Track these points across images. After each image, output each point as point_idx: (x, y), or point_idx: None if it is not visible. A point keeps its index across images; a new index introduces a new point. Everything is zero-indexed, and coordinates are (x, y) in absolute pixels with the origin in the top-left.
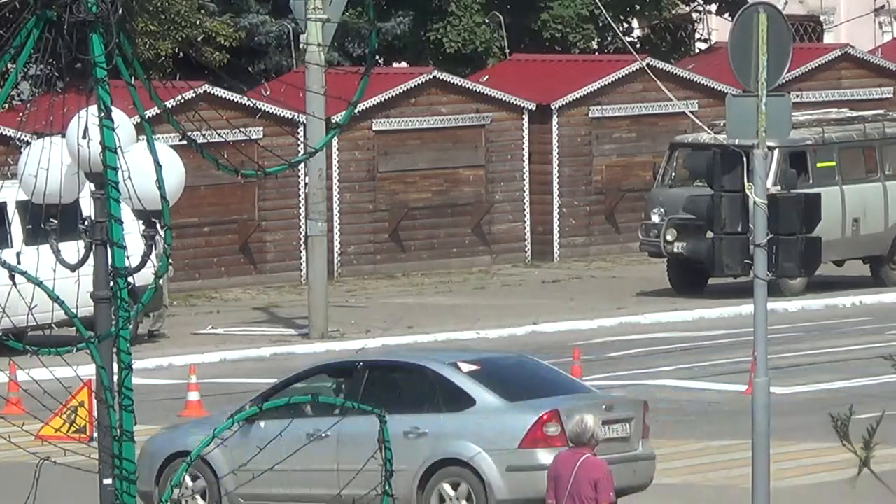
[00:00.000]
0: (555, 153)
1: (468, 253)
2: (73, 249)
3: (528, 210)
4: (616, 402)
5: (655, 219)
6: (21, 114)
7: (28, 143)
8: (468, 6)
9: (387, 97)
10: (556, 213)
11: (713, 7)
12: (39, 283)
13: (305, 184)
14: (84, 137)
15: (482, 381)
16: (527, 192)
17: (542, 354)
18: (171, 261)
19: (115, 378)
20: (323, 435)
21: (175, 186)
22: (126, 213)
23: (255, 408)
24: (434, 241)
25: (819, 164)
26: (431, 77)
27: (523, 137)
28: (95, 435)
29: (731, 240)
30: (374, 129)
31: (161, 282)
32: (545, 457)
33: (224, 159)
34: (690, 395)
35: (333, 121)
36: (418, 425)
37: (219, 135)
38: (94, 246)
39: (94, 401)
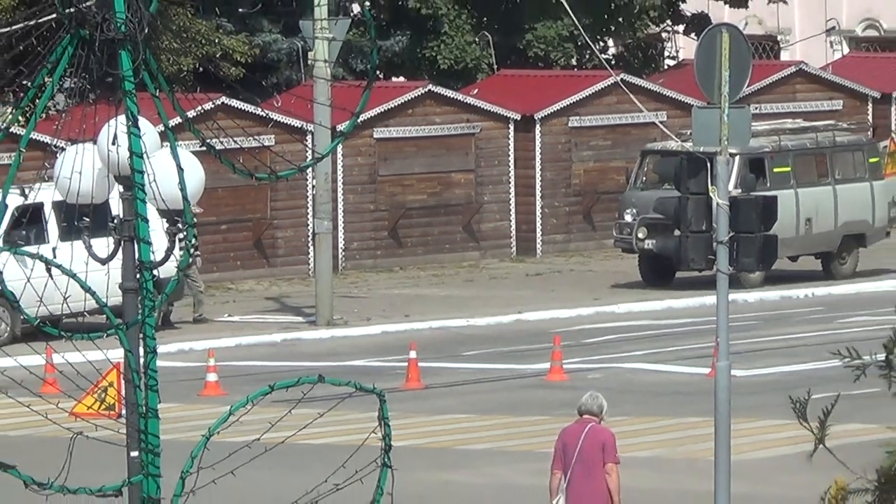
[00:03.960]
0: (537, 159)
1: (459, 249)
2: (103, 245)
3: (513, 210)
4: None
5: (628, 218)
6: (57, 123)
7: (63, 149)
8: (460, 26)
9: (386, 108)
10: (538, 213)
11: (680, 27)
12: (73, 275)
13: (313, 186)
14: (113, 144)
15: None
16: (512, 194)
17: (525, 340)
18: (198, 253)
19: (142, 361)
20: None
21: (195, 188)
22: (151, 212)
23: (267, 387)
24: (429, 238)
25: (775, 170)
26: (426, 90)
27: (509, 145)
28: (123, 412)
29: (697, 237)
30: (374, 136)
31: (196, 273)
32: None
33: (240, 164)
34: (659, 377)
35: (338, 129)
36: None
37: (235, 142)
38: (122, 242)
39: (122, 381)
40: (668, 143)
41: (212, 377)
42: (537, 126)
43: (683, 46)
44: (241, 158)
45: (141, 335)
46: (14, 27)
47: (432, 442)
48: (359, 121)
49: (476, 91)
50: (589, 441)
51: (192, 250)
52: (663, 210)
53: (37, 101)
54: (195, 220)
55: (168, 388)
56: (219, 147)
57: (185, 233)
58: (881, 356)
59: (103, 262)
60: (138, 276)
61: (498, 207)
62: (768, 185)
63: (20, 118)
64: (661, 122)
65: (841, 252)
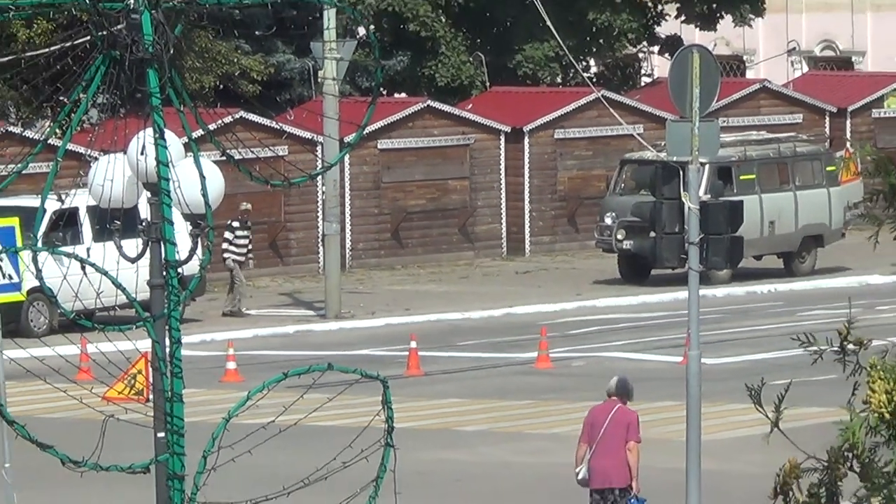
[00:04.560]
0: (526, 167)
1: (455, 249)
2: (132, 245)
3: (504, 214)
4: None
5: (608, 221)
6: (90, 135)
7: (96, 159)
8: (456, 48)
9: (389, 121)
10: (527, 217)
11: (655, 48)
12: (105, 273)
13: (323, 192)
14: (142, 154)
15: None
16: (503, 199)
17: (515, 332)
18: (251, 256)
19: (168, 350)
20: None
21: (216, 194)
22: (176, 216)
23: (281, 374)
24: (427, 239)
25: (742, 177)
26: (425, 105)
27: (500, 155)
28: (151, 397)
29: (670, 238)
30: (378, 147)
31: (240, 271)
32: None
33: (256, 172)
34: (636, 364)
35: (346, 141)
36: None
37: (252, 152)
38: (149, 242)
39: (150, 369)
40: (644, 153)
41: (231, 365)
42: (526, 138)
43: (658, 65)
44: (257, 167)
45: (167, 327)
46: (52, 48)
47: (431, 424)
48: (364, 133)
49: (470, 106)
50: (615, 420)
51: (246, 251)
52: (640, 214)
53: (72, 115)
54: (249, 222)
55: (191, 375)
56: (237, 157)
57: (206, 233)
58: (837, 343)
59: (133, 261)
60: (164, 273)
61: (490, 211)
62: (735, 191)
63: (57, 131)
64: (638, 135)
65: (801, 252)
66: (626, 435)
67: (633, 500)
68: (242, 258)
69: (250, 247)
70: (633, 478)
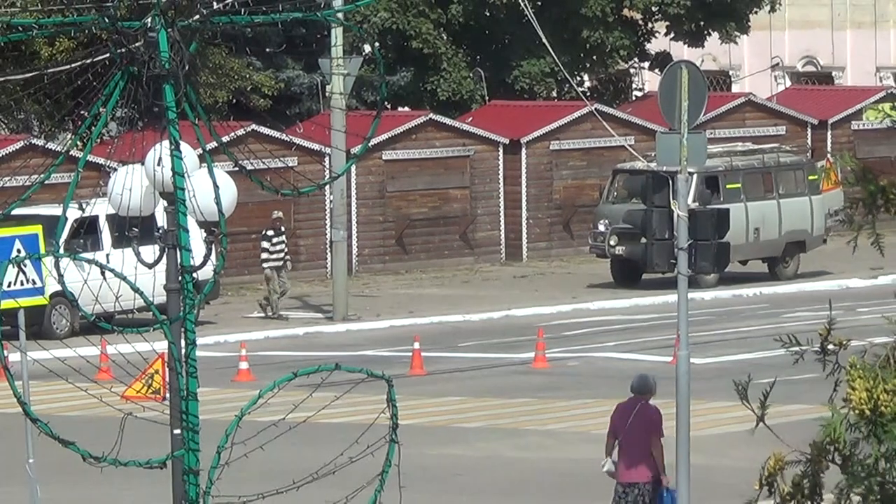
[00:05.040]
0: (523, 177)
1: (456, 254)
2: (150, 251)
3: (502, 221)
4: None
5: (601, 228)
6: (110, 147)
7: (115, 170)
8: (456, 64)
9: (393, 134)
10: (524, 224)
11: (646, 64)
12: (124, 278)
13: (330, 201)
14: (159, 165)
15: None
16: (502, 207)
17: (513, 333)
18: (288, 257)
19: (183, 351)
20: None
21: (229, 203)
22: (191, 224)
23: (291, 374)
24: (430, 245)
25: (728, 186)
26: (428, 118)
27: (499, 165)
28: (168, 395)
29: (660, 244)
30: (383, 158)
31: (277, 277)
32: None
33: (267, 182)
34: (628, 364)
35: (352, 152)
36: None
37: (263, 163)
38: (166, 249)
39: (167, 369)
40: (635, 163)
41: (243, 365)
42: (523, 149)
43: (648, 80)
44: (268, 177)
45: (182, 329)
46: (73, 65)
47: (433, 421)
48: (369, 145)
49: (470, 119)
50: (639, 416)
51: (283, 255)
52: (632, 221)
53: (92, 128)
54: (282, 227)
55: (206, 375)
56: (249, 167)
57: (219, 240)
58: (818, 344)
59: (150, 266)
60: (180, 278)
61: (489, 219)
62: (722, 199)
63: (78, 143)
64: (629, 146)
65: (784, 257)
66: (649, 431)
67: (664, 493)
68: (280, 263)
69: (286, 250)
70: (661, 471)
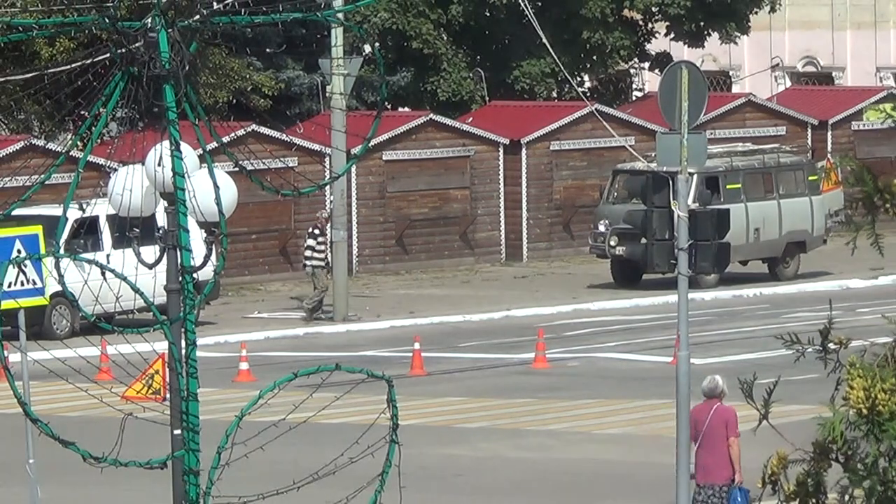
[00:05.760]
0: (523, 178)
1: (456, 255)
2: (150, 252)
3: (503, 221)
4: None
5: (602, 228)
6: (110, 147)
7: (115, 170)
8: (456, 64)
9: (393, 134)
10: (524, 224)
11: (646, 64)
12: (124, 278)
13: (331, 201)
14: (159, 165)
15: None
16: (502, 207)
17: (513, 333)
18: (328, 262)
19: (183, 351)
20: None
21: (229, 203)
22: (191, 224)
23: (291, 374)
24: (430, 245)
25: (728, 186)
26: (428, 119)
27: (499, 165)
28: (168, 396)
29: (661, 245)
30: (384, 158)
31: (323, 276)
32: None
33: (267, 182)
34: (628, 364)
35: (352, 152)
36: None
37: (263, 163)
38: (166, 249)
39: (167, 369)
40: (636, 163)
41: (244, 365)
42: (523, 149)
43: (649, 81)
44: (268, 177)
45: (183, 329)
46: (73, 65)
47: (434, 421)
48: (370, 145)
49: (471, 119)
50: (715, 418)
51: (325, 255)
52: (632, 221)
53: (93, 128)
54: (326, 228)
55: (206, 375)
56: (250, 168)
57: (220, 240)
58: (818, 343)
59: (150, 266)
60: (180, 278)
61: (489, 219)
62: (722, 199)
63: (78, 143)
64: (630, 146)
65: (785, 257)
66: (725, 432)
67: (737, 492)
68: (323, 262)
69: (327, 251)
70: (737, 471)
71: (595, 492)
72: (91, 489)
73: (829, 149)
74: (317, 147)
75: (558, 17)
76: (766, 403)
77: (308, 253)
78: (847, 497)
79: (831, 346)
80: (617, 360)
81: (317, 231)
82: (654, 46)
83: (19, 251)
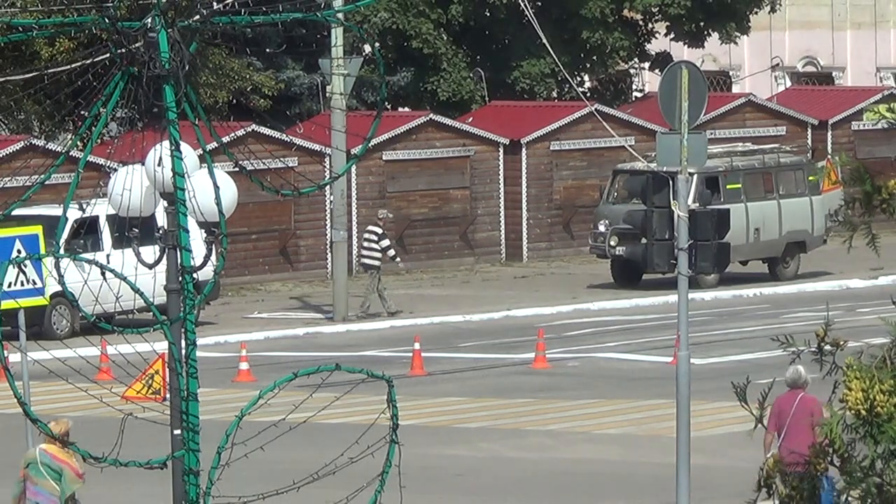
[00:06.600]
0: (523, 178)
1: (456, 255)
2: (150, 252)
3: (503, 221)
4: None
5: (602, 228)
6: (110, 147)
7: (115, 170)
8: (457, 64)
9: (393, 134)
10: (524, 224)
11: (646, 64)
12: (124, 278)
13: (331, 201)
14: (159, 165)
15: None
16: (502, 207)
17: (513, 333)
18: (369, 258)
19: (183, 352)
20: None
21: (229, 203)
22: (191, 224)
23: (291, 374)
24: (430, 245)
25: (728, 186)
26: (428, 119)
27: (499, 166)
28: (168, 396)
29: (661, 245)
30: (384, 158)
31: (377, 273)
32: None
33: (267, 182)
34: (628, 364)
35: (352, 152)
36: None
37: (263, 163)
38: (166, 249)
39: (167, 369)
40: (636, 163)
41: (244, 366)
42: (523, 149)
43: (649, 81)
44: (268, 177)
45: (183, 330)
46: (73, 65)
47: (434, 421)
48: (370, 145)
49: (471, 119)
50: (801, 407)
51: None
52: (632, 221)
53: (93, 128)
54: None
55: (206, 375)
56: (249, 168)
57: (219, 240)
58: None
59: (150, 266)
60: (180, 278)
61: (489, 219)
62: (722, 199)
63: (78, 143)
64: (630, 146)
65: (785, 257)
66: (811, 420)
67: (823, 480)
68: (378, 262)
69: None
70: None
71: (595, 492)
72: (91, 489)
73: (829, 149)
74: (317, 147)
75: (558, 17)
76: (760, 405)
77: (367, 253)
78: (844, 498)
79: (827, 347)
80: (617, 360)
81: (379, 230)
82: (654, 46)
83: (19, 251)
